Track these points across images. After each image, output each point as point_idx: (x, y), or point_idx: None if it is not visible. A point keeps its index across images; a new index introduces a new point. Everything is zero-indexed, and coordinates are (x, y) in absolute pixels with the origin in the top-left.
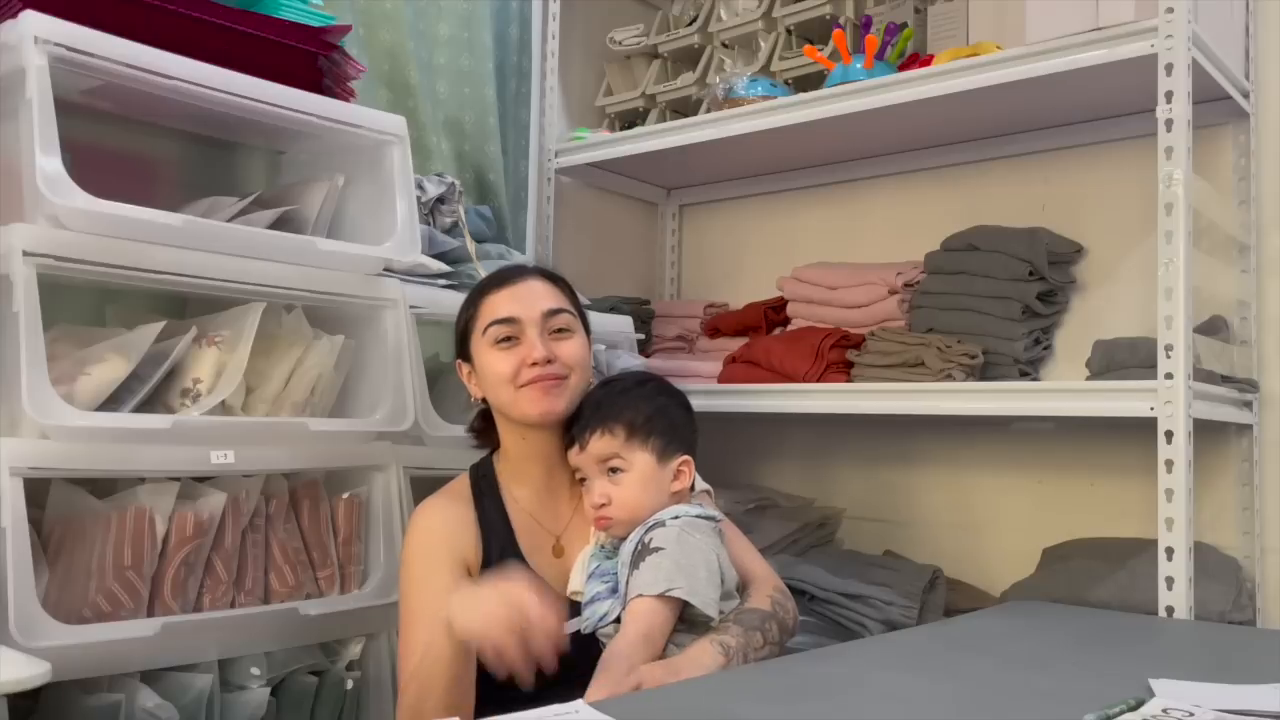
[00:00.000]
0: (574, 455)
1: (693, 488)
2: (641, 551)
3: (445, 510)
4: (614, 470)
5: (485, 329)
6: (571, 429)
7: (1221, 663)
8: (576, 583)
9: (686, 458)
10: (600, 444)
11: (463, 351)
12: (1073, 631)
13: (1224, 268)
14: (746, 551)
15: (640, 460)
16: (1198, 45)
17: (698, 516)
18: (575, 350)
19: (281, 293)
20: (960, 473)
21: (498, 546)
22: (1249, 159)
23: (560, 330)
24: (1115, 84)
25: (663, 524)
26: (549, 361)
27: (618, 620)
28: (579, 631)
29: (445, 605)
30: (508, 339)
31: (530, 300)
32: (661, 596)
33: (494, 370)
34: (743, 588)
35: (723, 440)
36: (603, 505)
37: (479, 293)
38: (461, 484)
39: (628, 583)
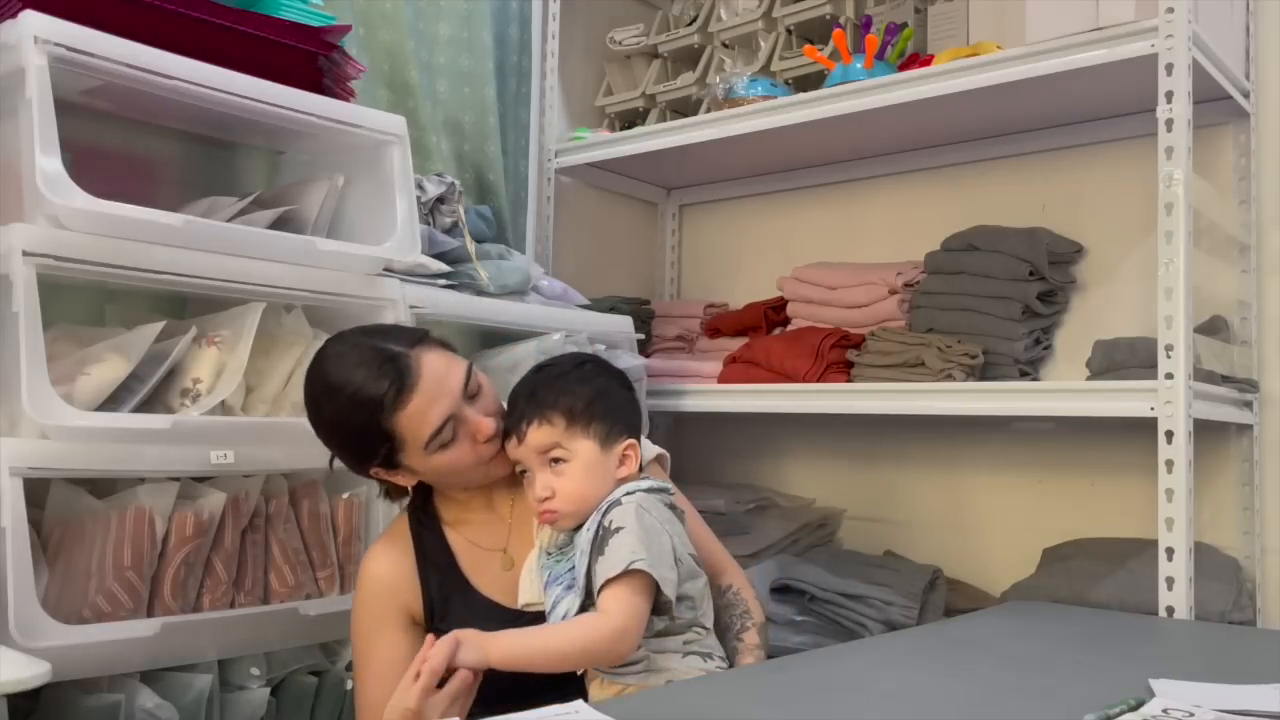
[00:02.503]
0: (512, 448)
1: (640, 466)
2: (604, 535)
3: (386, 559)
4: (556, 461)
5: (426, 445)
6: (507, 420)
7: (1221, 663)
8: (527, 594)
9: (631, 441)
10: (539, 435)
11: (386, 462)
12: (1073, 631)
13: (1224, 268)
14: (708, 534)
15: (583, 449)
16: (1198, 45)
17: (649, 490)
18: (496, 399)
19: (281, 293)
20: (960, 473)
21: (437, 581)
22: (1249, 159)
23: (474, 393)
24: (1115, 84)
25: (618, 503)
26: (495, 427)
27: (581, 610)
28: None
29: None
30: (450, 438)
31: (442, 387)
32: (626, 573)
33: (457, 466)
34: (713, 574)
35: (723, 440)
36: (547, 499)
37: (382, 410)
38: (400, 525)
39: (589, 570)
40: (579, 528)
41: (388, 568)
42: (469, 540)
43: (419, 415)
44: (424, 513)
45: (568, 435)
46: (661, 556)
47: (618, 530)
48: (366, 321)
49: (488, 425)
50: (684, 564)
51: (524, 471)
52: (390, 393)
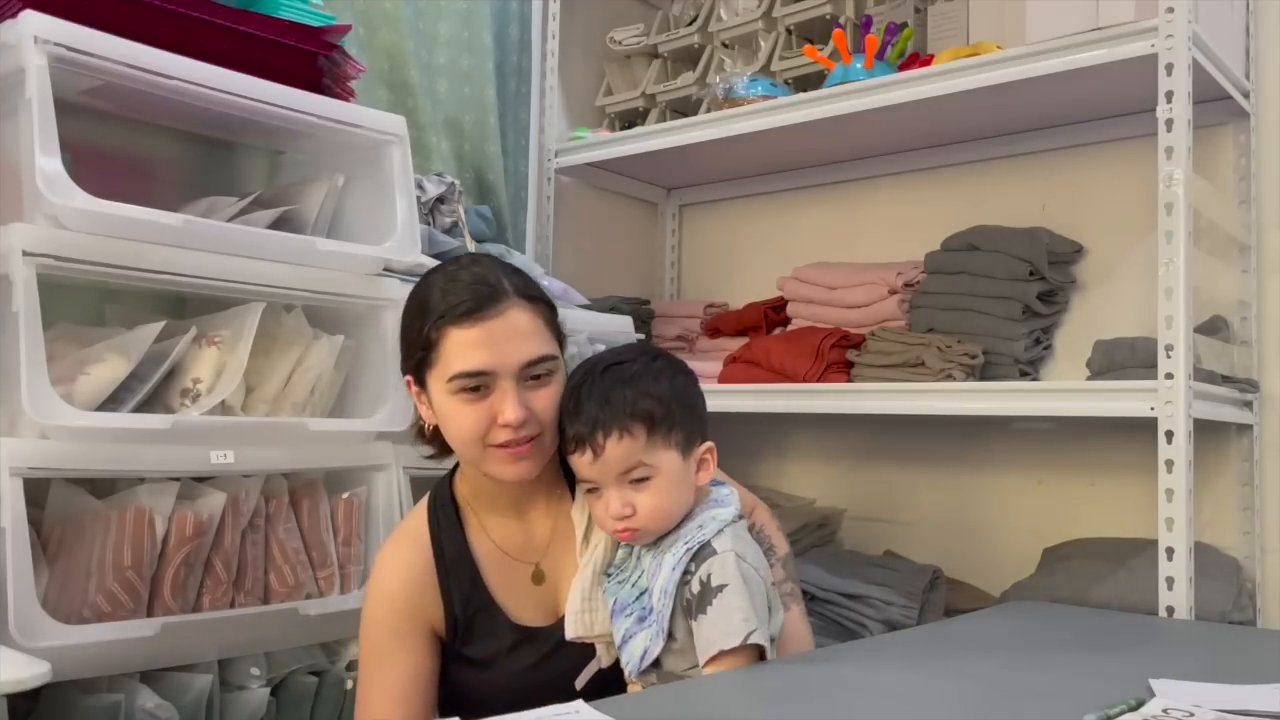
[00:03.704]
0: (585, 465)
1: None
2: (704, 592)
3: (403, 565)
4: (637, 480)
5: (449, 378)
6: (573, 426)
7: (1221, 663)
8: (580, 627)
9: (710, 444)
10: (619, 450)
11: (415, 374)
12: (1073, 631)
13: (1224, 268)
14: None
15: (665, 461)
16: (1198, 45)
17: (736, 520)
18: (551, 402)
19: (281, 293)
20: (960, 473)
21: (460, 595)
22: (1249, 159)
23: (538, 376)
24: (1115, 84)
25: (712, 550)
26: (523, 423)
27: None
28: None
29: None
30: (476, 389)
31: (508, 346)
32: (741, 647)
33: (456, 425)
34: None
35: (723, 440)
36: (627, 516)
37: (442, 318)
38: (418, 522)
39: (680, 618)
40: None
41: (406, 577)
42: (495, 546)
43: (463, 345)
44: (444, 510)
45: (649, 449)
46: (766, 614)
47: (721, 588)
48: (367, 322)
49: (513, 413)
50: (772, 606)
51: (592, 489)
52: (457, 309)
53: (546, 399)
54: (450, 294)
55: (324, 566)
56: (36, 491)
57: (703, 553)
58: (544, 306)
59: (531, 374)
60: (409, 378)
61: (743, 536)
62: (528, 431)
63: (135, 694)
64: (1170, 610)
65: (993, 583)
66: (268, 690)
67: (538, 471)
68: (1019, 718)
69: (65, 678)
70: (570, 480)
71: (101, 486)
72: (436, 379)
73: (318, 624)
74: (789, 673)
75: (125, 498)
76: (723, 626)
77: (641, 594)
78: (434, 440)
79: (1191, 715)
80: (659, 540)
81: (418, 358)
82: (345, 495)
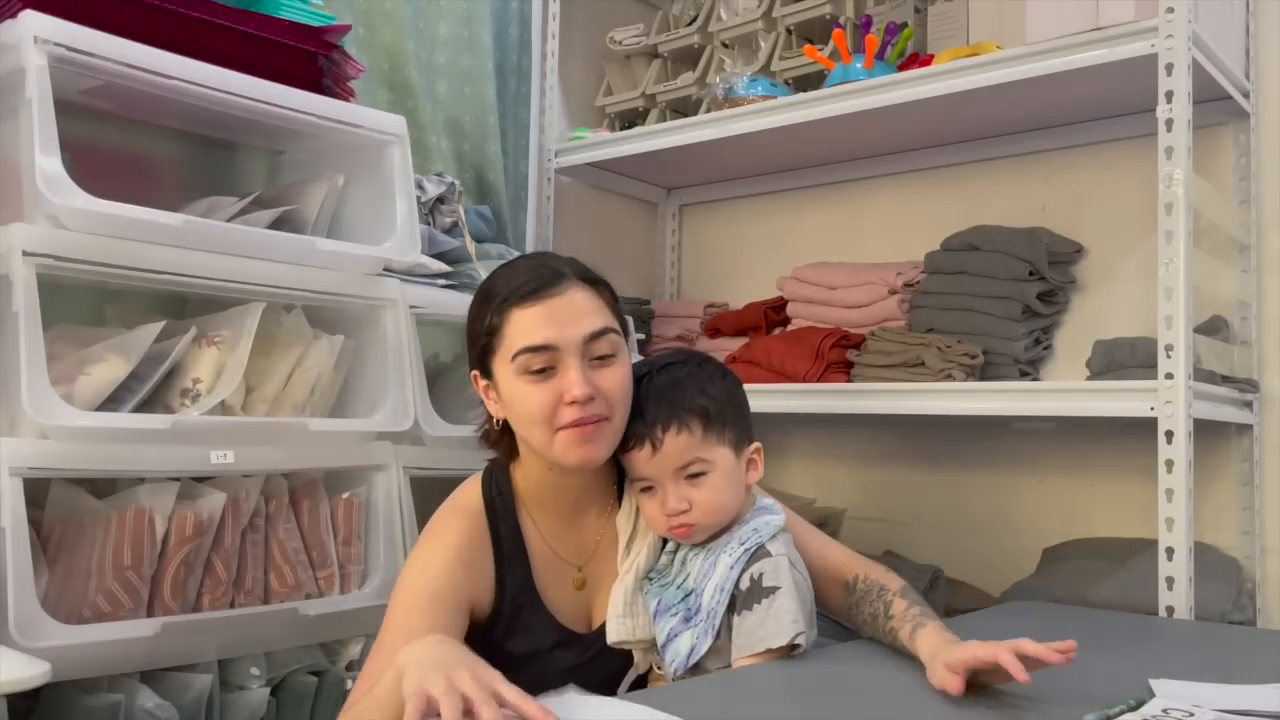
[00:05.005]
0: (644, 460)
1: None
2: (753, 589)
3: (461, 535)
4: (694, 476)
5: (514, 356)
6: (632, 424)
7: (1221, 663)
8: (621, 631)
9: (758, 445)
10: (677, 444)
11: (481, 365)
12: (1073, 631)
13: (1224, 268)
14: (817, 538)
15: (721, 457)
16: (1198, 45)
17: (786, 529)
18: (619, 382)
19: (281, 293)
20: (960, 473)
21: (514, 584)
22: (1249, 159)
23: (603, 356)
24: (1115, 84)
25: (767, 553)
26: (590, 399)
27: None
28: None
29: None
30: (542, 370)
31: (571, 321)
32: (783, 648)
33: (524, 406)
34: (835, 575)
35: None
36: (684, 511)
37: (505, 300)
38: (474, 498)
39: (726, 615)
40: (672, 546)
41: (464, 545)
42: (545, 543)
43: (528, 323)
44: (501, 497)
45: (705, 444)
46: (811, 618)
47: (773, 589)
48: (367, 322)
49: (579, 389)
50: (811, 618)
51: (648, 488)
52: (519, 290)
53: (613, 378)
54: (511, 279)
55: (324, 566)
56: (36, 491)
57: (758, 554)
58: (605, 289)
59: (596, 352)
60: (475, 372)
61: (792, 545)
62: (595, 409)
63: (135, 694)
64: (1170, 610)
65: (993, 583)
66: (268, 690)
67: (605, 457)
68: (1019, 718)
69: (65, 678)
70: (619, 492)
71: (101, 486)
72: (502, 362)
73: (318, 624)
74: (788, 672)
75: (125, 498)
76: (772, 626)
77: (688, 595)
78: (501, 440)
79: (1191, 715)
80: (706, 542)
81: (482, 345)
82: (345, 495)
